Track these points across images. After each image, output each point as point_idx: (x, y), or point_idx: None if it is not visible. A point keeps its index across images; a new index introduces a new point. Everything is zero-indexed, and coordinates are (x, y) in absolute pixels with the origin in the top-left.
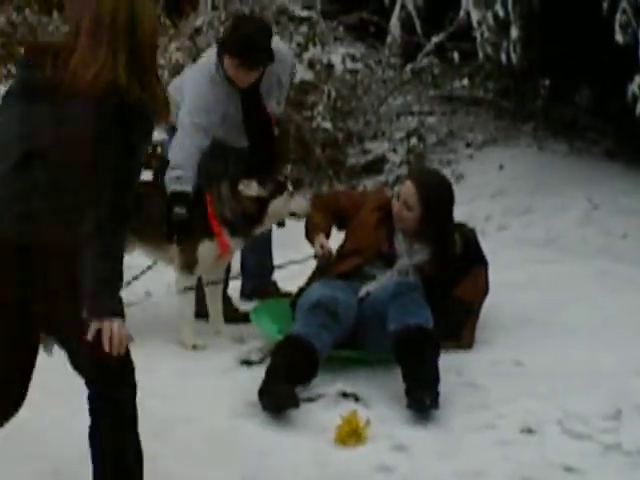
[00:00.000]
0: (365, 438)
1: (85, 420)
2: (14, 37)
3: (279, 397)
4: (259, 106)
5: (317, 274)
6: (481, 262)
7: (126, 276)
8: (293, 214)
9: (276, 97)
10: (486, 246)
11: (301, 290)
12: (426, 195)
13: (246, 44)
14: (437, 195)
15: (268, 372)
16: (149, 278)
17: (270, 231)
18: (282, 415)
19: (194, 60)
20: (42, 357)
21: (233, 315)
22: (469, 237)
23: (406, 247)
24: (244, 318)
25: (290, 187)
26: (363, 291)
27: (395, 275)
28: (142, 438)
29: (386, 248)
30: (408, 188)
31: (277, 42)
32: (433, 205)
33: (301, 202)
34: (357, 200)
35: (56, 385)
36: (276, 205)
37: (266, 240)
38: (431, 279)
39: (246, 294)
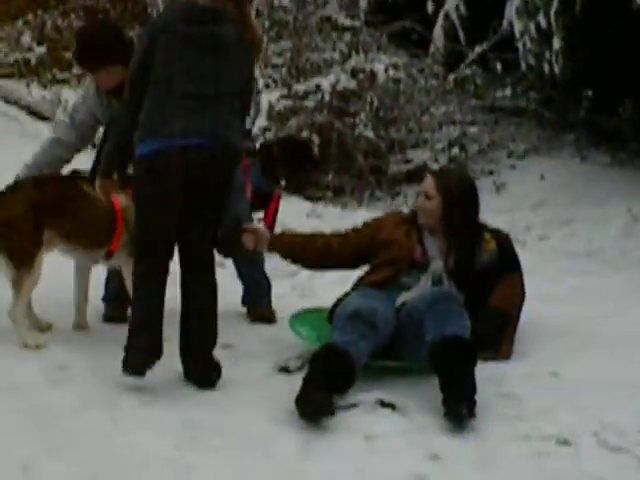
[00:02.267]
0: None
1: None
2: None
3: (316, 405)
4: None
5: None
6: (516, 268)
7: None
8: None
9: None
10: (526, 257)
11: (339, 300)
12: (444, 184)
13: (75, 47)
14: (455, 183)
15: (306, 380)
16: None
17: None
18: (318, 423)
19: None
20: None
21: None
22: (504, 242)
23: (438, 248)
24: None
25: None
26: (400, 300)
27: (430, 281)
28: (178, 448)
29: (419, 255)
30: (427, 180)
31: None
32: (452, 193)
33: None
34: (372, 226)
35: None
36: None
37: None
38: (466, 285)
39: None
